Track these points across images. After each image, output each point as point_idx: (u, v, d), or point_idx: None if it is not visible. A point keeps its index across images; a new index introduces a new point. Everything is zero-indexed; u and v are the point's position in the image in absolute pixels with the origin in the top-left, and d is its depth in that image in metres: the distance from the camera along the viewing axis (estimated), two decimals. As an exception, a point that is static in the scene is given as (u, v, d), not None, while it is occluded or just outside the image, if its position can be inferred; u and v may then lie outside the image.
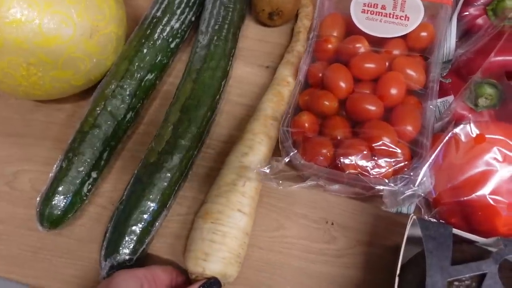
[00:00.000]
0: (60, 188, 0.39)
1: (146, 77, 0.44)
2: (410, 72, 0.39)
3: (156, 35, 0.45)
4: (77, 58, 0.40)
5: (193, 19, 0.48)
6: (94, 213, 0.42)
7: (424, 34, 0.42)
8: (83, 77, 0.42)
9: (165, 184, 0.38)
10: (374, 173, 0.34)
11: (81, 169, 0.40)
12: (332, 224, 0.40)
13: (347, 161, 0.35)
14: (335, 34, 0.44)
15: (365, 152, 0.35)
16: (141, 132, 0.46)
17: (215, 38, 0.45)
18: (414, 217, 0.31)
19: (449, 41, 0.41)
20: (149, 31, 0.45)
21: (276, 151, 0.41)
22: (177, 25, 0.46)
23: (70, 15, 0.38)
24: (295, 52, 0.46)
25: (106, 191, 0.43)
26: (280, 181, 0.36)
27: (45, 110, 0.47)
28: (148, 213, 0.38)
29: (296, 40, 0.47)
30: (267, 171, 0.36)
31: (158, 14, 0.46)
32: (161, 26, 0.45)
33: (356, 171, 0.35)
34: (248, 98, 0.47)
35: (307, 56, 0.42)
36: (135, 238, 0.37)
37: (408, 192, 0.32)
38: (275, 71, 0.48)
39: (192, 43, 0.49)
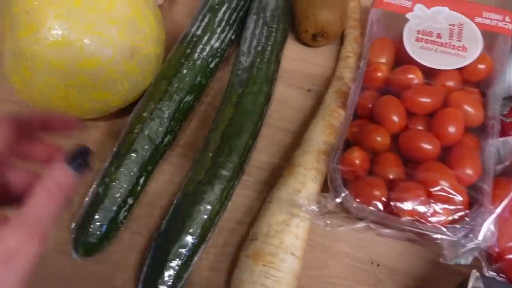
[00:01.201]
0: (97, 216, 0.37)
1: (185, 99, 0.42)
2: (467, 108, 0.37)
3: (196, 55, 0.43)
4: (116, 79, 0.38)
5: (233, 37, 0.46)
6: (128, 240, 0.40)
7: (481, 66, 0.39)
8: (121, 98, 0.41)
9: (205, 217, 0.37)
10: (432, 220, 0.32)
11: (117, 195, 0.38)
12: (378, 265, 0.38)
13: (403, 206, 0.33)
14: (384, 60, 0.42)
15: (422, 198, 0.33)
16: (177, 155, 0.44)
17: (258, 60, 0.43)
18: (477, 274, 0.30)
19: (509, 75, 0.39)
20: (188, 50, 0.43)
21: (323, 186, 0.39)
22: (217, 44, 0.44)
23: (110, 36, 0.37)
24: (345, 79, 0.43)
25: (140, 217, 0.41)
26: (328, 221, 0.35)
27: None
28: (187, 248, 0.36)
29: (345, 66, 0.44)
30: (316, 209, 0.34)
31: (198, 32, 0.44)
32: (201, 46, 0.43)
33: (413, 218, 0.33)
34: (289, 123, 0.45)
35: (358, 86, 0.40)
36: (173, 274, 0.35)
37: (471, 245, 0.30)
38: (317, 94, 0.46)
39: (229, 61, 0.48)
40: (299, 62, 0.48)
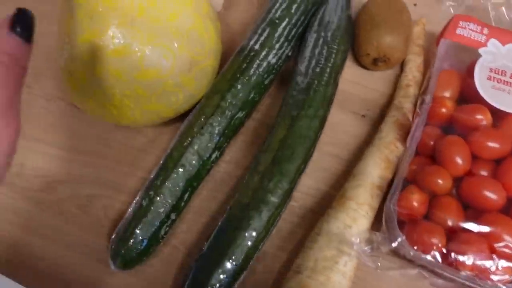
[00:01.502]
0: (138, 230, 0.36)
1: (237, 115, 0.41)
2: (538, 158, 0.35)
3: (252, 71, 0.42)
4: (172, 92, 0.37)
5: (290, 53, 0.45)
6: (166, 254, 0.39)
7: (557, 114, 0.37)
8: (173, 110, 0.40)
9: (250, 243, 0.36)
10: (494, 278, 0.30)
11: (161, 210, 0.37)
12: (425, 312, 0.36)
13: (463, 259, 0.31)
14: (449, 94, 0.40)
15: (484, 253, 0.31)
16: (222, 171, 0.43)
17: (316, 82, 0.41)
18: None
19: None
20: (245, 65, 0.42)
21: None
22: (273, 60, 0.43)
23: (171, 48, 0.35)
24: (404, 109, 0.41)
25: (180, 232, 0.40)
26: (379, 264, 0.33)
27: (125, 131, 0.44)
28: (229, 274, 0.35)
29: (404, 96, 0.42)
30: (369, 250, 0.33)
31: (256, 47, 0.42)
32: (258, 61, 0.42)
33: (473, 273, 0.31)
34: (340, 149, 0.43)
35: (421, 122, 0.38)
36: (213, 299, 0.34)
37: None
38: (372, 121, 0.44)
39: (282, 76, 0.46)
40: (354, 84, 0.47)
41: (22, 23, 0.23)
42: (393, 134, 0.40)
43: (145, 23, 0.34)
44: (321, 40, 0.43)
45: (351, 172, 0.40)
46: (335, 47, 0.43)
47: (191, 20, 0.36)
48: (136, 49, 0.34)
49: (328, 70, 0.42)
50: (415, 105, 0.43)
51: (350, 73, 0.47)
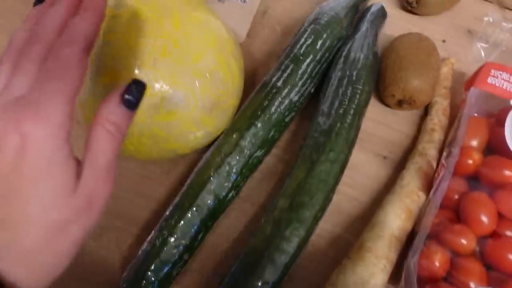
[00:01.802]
0: (150, 272, 0.36)
1: (255, 154, 0.40)
2: None
3: (273, 108, 0.40)
4: (191, 131, 0.37)
5: (312, 90, 0.44)
6: (176, 293, 0.39)
7: None
8: (190, 148, 0.39)
9: (263, 292, 0.35)
10: None
11: (174, 251, 0.36)
12: None
13: (485, 331, 0.30)
14: (476, 143, 0.38)
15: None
16: (236, 208, 0.42)
17: (338, 125, 0.40)
18: None
19: None
20: (266, 102, 0.40)
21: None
22: (295, 98, 0.42)
23: (193, 90, 0.35)
24: (428, 157, 0.40)
25: (191, 270, 0.39)
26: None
27: (139, 160, 0.44)
28: (241, 324, 0.34)
29: (429, 141, 0.41)
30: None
31: (279, 84, 0.41)
32: (280, 99, 0.41)
33: None
34: (359, 192, 0.42)
35: (447, 176, 0.36)
36: None
37: None
38: (393, 164, 0.43)
39: (303, 111, 0.45)
40: (376, 124, 0.45)
41: (134, 94, 0.26)
42: (415, 183, 0.39)
43: (167, 64, 0.33)
44: (345, 80, 0.42)
45: (370, 219, 0.39)
46: (360, 87, 0.41)
47: (215, 60, 0.35)
48: (157, 90, 0.33)
49: (351, 112, 0.40)
50: (439, 151, 0.41)
51: (373, 111, 0.45)
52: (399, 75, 0.41)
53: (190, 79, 0.34)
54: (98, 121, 0.25)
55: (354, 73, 0.42)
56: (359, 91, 0.41)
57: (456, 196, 0.36)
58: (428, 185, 0.39)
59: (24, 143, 0.22)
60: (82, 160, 0.25)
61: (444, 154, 0.38)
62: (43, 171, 0.22)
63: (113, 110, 0.25)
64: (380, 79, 0.44)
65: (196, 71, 0.34)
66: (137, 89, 0.26)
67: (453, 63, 0.45)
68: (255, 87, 0.43)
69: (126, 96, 0.25)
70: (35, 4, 0.27)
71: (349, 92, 0.41)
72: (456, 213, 0.36)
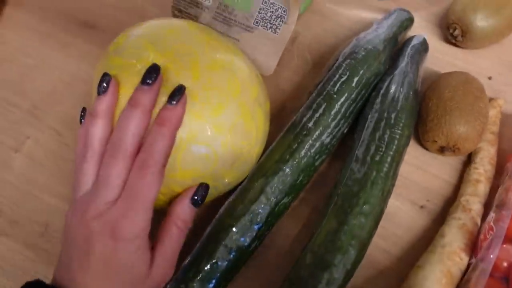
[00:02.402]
0: (164, 329, 0.33)
1: (282, 201, 0.37)
2: None
3: (303, 152, 0.37)
4: (210, 187, 0.33)
5: (345, 131, 0.40)
6: None
7: None
8: (209, 198, 0.36)
9: None
10: None
11: (191, 306, 0.34)
12: None
13: None
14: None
15: None
16: (257, 255, 0.39)
17: (374, 174, 0.36)
18: None
19: None
20: (295, 145, 0.37)
21: None
22: (327, 140, 0.38)
23: (213, 147, 0.31)
24: (472, 212, 0.36)
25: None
26: None
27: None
28: None
29: (472, 194, 0.37)
30: None
31: (310, 124, 0.38)
32: (310, 141, 0.38)
33: None
34: (392, 244, 0.39)
35: (497, 241, 0.32)
36: None
37: None
38: (431, 215, 0.40)
39: (334, 152, 0.41)
40: (414, 168, 0.42)
41: (202, 195, 0.32)
42: (457, 243, 0.35)
43: (185, 120, 0.30)
44: (383, 122, 0.38)
45: (405, 278, 0.35)
46: (399, 131, 0.38)
47: (237, 111, 0.32)
48: (174, 149, 0.30)
49: (388, 159, 0.37)
50: (485, 206, 0.37)
51: (410, 153, 0.42)
52: (442, 120, 0.38)
53: (210, 136, 0.31)
54: (172, 219, 0.31)
55: (393, 115, 0.38)
56: (397, 136, 0.38)
57: (505, 264, 0.32)
58: (472, 246, 0.35)
59: (115, 244, 0.28)
60: (154, 248, 0.31)
61: (493, 215, 0.35)
62: (128, 265, 0.29)
63: (184, 210, 0.32)
64: (421, 120, 0.40)
65: (216, 126, 0.31)
66: (204, 191, 0.32)
67: (501, 105, 0.42)
68: (283, 123, 0.40)
69: (195, 197, 0.32)
70: (99, 93, 0.30)
71: (386, 136, 0.38)
72: (505, 283, 0.32)
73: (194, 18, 0.41)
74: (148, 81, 0.29)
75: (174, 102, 0.29)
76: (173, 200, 0.33)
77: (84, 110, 0.33)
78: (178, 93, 0.30)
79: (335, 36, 0.48)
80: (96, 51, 0.49)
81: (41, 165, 0.43)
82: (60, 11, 0.52)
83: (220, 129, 0.32)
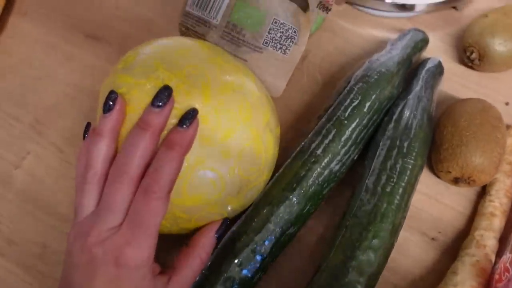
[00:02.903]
0: None
1: (288, 231, 0.35)
2: None
3: (311, 180, 0.36)
4: (215, 213, 0.32)
5: (355, 157, 0.39)
6: None
7: None
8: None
9: None
10: None
11: None
12: None
13: None
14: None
15: None
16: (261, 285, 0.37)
17: (385, 206, 0.35)
18: None
19: None
20: (303, 173, 0.36)
21: None
22: (336, 168, 0.37)
23: (221, 173, 0.30)
24: (487, 248, 0.35)
25: None
26: None
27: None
28: None
29: (487, 228, 0.36)
30: None
31: (318, 152, 0.36)
32: (319, 169, 0.36)
33: None
34: (400, 278, 0.37)
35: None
36: None
37: None
38: (442, 248, 0.38)
39: (342, 178, 0.40)
40: (425, 197, 0.40)
41: (225, 230, 0.34)
42: (470, 281, 0.33)
43: (194, 144, 0.29)
44: (395, 151, 0.37)
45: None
46: (412, 161, 0.36)
47: (247, 137, 0.31)
48: (180, 174, 0.29)
49: (400, 191, 0.35)
50: (500, 240, 0.36)
51: (422, 181, 0.40)
52: (458, 150, 0.36)
53: (218, 161, 0.30)
54: (197, 250, 0.32)
55: (406, 143, 0.37)
56: (410, 166, 0.36)
57: (522, 308, 0.31)
58: (485, 284, 0.34)
59: (119, 272, 0.27)
60: (171, 275, 0.30)
61: (509, 256, 0.33)
62: None
63: (210, 242, 0.32)
64: (435, 148, 0.39)
65: (225, 151, 0.30)
66: (227, 225, 0.34)
67: (519, 134, 0.40)
68: (292, 145, 0.39)
69: (220, 231, 0.33)
70: (105, 111, 0.29)
71: (398, 166, 0.36)
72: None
73: (202, 36, 0.40)
74: (159, 103, 0.28)
75: (185, 126, 0.28)
76: (194, 231, 0.33)
77: (88, 125, 0.32)
78: (190, 116, 0.29)
79: (346, 55, 0.47)
80: (101, 64, 0.48)
81: (42, 182, 0.42)
82: (66, 21, 0.51)
83: (228, 154, 0.30)
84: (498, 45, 0.41)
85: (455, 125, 0.37)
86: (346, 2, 0.49)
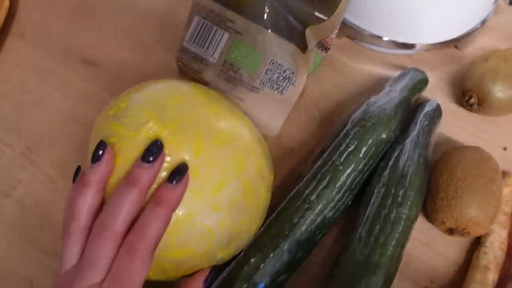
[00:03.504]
0: None
1: (278, 279, 0.35)
2: None
3: (303, 227, 0.35)
4: (204, 263, 0.32)
5: (350, 203, 0.38)
6: None
7: None
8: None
9: None
10: None
11: None
12: None
13: None
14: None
15: None
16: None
17: (377, 257, 0.34)
18: None
19: None
20: (296, 219, 0.35)
21: None
22: (330, 214, 0.36)
23: (211, 226, 0.30)
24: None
25: None
26: None
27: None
28: None
29: (482, 283, 0.35)
30: None
31: (312, 198, 0.36)
32: (312, 216, 0.36)
33: None
34: (392, 328, 0.37)
35: None
36: None
37: None
38: (435, 298, 0.37)
39: (335, 225, 0.39)
40: (418, 244, 0.39)
41: (214, 278, 0.33)
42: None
43: (183, 198, 0.28)
44: (390, 199, 0.36)
45: None
46: (406, 211, 0.36)
47: (239, 189, 0.30)
48: (169, 227, 0.28)
49: (394, 242, 0.35)
50: (492, 295, 0.35)
51: (416, 228, 0.39)
52: (453, 202, 0.36)
53: (208, 215, 0.29)
54: None
55: (401, 192, 0.36)
56: (404, 216, 0.36)
57: None
58: None
59: None
60: None
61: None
62: None
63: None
64: (430, 196, 0.38)
65: (215, 205, 0.29)
66: (216, 273, 0.32)
67: (515, 183, 0.39)
68: (286, 184, 0.38)
69: (209, 280, 0.32)
70: (93, 161, 0.29)
71: (392, 216, 0.36)
72: None
73: (198, 74, 0.39)
74: (149, 158, 0.27)
75: (175, 182, 0.28)
76: (182, 278, 0.32)
77: (78, 169, 0.31)
78: (180, 172, 0.28)
79: (345, 91, 0.46)
80: (96, 91, 0.47)
81: (31, 214, 0.41)
82: (62, 45, 0.50)
83: (218, 208, 0.30)
84: (498, 92, 0.40)
85: (451, 174, 0.37)
86: (346, 36, 0.48)
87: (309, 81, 0.46)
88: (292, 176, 0.42)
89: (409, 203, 0.36)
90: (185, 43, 0.40)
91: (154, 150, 0.27)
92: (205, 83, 0.39)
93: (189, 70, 0.40)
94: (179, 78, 0.44)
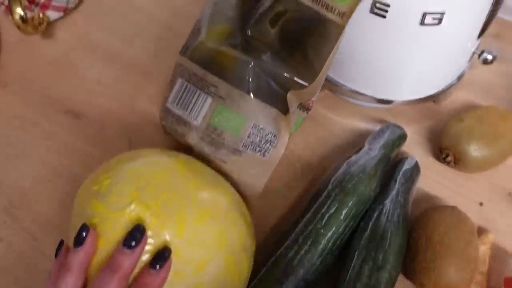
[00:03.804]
0: None
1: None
2: None
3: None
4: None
5: (331, 264, 0.39)
6: None
7: None
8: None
9: None
10: None
11: None
12: None
13: None
14: None
15: None
16: None
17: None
18: None
19: None
20: (278, 285, 0.36)
21: None
22: (312, 278, 0.37)
23: None
24: None
25: None
26: None
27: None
28: None
29: None
30: None
31: (294, 262, 0.36)
32: (294, 280, 0.36)
33: None
34: None
35: None
36: None
37: None
38: None
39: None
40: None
41: None
42: None
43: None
44: (371, 263, 0.37)
45: None
46: (386, 275, 0.37)
47: (221, 266, 0.31)
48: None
49: (374, 305, 0.36)
50: None
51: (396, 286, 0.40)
52: (431, 265, 0.36)
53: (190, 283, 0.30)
54: None
55: (380, 256, 0.37)
56: (384, 280, 0.36)
57: None
58: None
59: None
60: None
61: None
62: None
63: None
64: (409, 256, 0.39)
65: (197, 284, 0.30)
66: None
67: (491, 242, 0.40)
68: (268, 240, 0.38)
69: None
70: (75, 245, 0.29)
71: (373, 279, 0.36)
72: None
73: (182, 137, 0.40)
74: (131, 243, 0.28)
75: (157, 267, 0.28)
76: None
77: (61, 243, 0.31)
78: (163, 257, 0.28)
79: (326, 145, 0.47)
80: (80, 145, 0.48)
81: (12, 273, 0.41)
82: (46, 95, 0.51)
83: (201, 286, 0.30)
84: (474, 151, 0.41)
85: (429, 238, 0.38)
86: (328, 89, 0.49)
87: (292, 135, 0.47)
88: (274, 234, 0.42)
89: (388, 266, 0.37)
90: (168, 104, 0.41)
91: (136, 235, 0.28)
92: (189, 146, 0.40)
93: (173, 132, 0.41)
94: (163, 137, 0.45)
